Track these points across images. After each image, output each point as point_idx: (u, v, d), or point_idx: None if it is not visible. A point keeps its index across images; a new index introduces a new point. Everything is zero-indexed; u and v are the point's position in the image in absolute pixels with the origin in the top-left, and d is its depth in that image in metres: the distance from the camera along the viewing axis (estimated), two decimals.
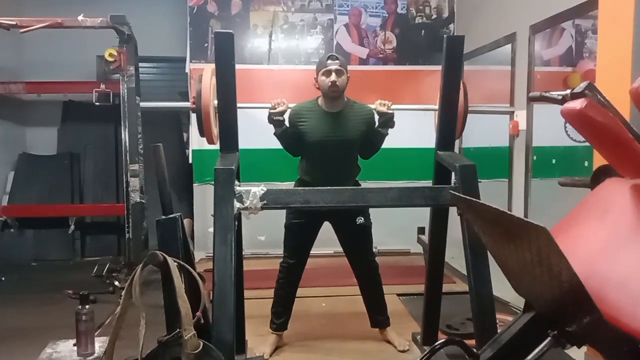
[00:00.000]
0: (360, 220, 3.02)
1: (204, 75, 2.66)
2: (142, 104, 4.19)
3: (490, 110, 4.07)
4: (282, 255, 3.10)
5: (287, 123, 2.93)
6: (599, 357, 1.45)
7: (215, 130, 2.77)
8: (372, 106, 2.98)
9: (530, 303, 1.42)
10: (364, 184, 3.11)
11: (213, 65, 2.63)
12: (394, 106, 2.95)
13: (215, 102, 2.70)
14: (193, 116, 5.07)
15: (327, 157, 2.94)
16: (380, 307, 3.16)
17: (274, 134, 2.93)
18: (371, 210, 3.09)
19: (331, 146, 2.92)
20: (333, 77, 2.84)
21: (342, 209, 2.93)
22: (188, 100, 5.21)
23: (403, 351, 3.04)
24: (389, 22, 5.37)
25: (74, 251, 5.47)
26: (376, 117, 2.98)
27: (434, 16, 5.40)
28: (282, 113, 2.88)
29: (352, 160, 3.05)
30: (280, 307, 3.09)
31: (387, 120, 2.94)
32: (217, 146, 2.60)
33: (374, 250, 3.18)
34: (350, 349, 3.09)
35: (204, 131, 2.68)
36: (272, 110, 2.86)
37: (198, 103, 2.59)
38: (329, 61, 2.87)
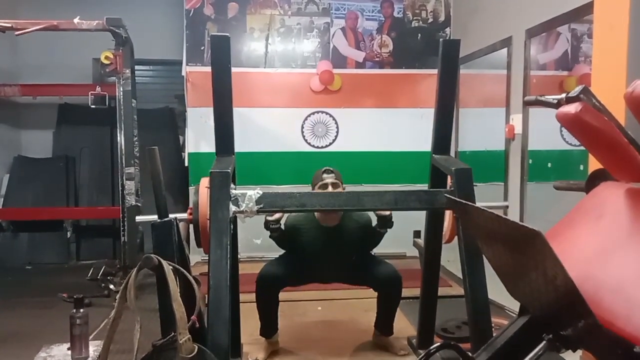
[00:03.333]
0: (353, 257, 3.07)
1: (201, 187, 2.52)
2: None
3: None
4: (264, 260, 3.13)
5: (282, 227, 3.00)
6: None
7: None
8: None
9: (526, 307, 1.42)
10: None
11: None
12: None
13: None
14: (190, 119, 5.09)
15: (323, 264, 3.04)
16: (390, 318, 3.13)
17: (270, 237, 2.99)
18: (367, 213, 3.09)
19: (330, 258, 3.01)
20: (330, 190, 2.90)
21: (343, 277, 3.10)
22: (184, 103, 5.23)
23: (402, 355, 3.03)
24: (386, 25, 5.38)
25: (69, 254, 5.46)
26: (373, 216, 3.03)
27: (430, 20, 5.41)
28: (278, 220, 2.94)
29: (350, 258, 3.10)
30: (265, 314, 3.04)
31: (386, 222, 2.99)
32: (213, 149, 2.59)
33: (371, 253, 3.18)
34: (345, 353, 3.08)
35: (201, 243, 2.47)
36: (269, 218, 2.91)
37: (195, 215, 2.46)
38: (325, 175, 2.96)
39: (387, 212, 2.95)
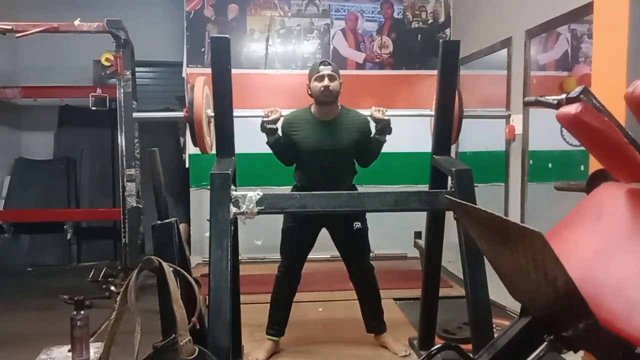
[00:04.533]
0: (357, 225, 3.02)
1: (196, 85, 2.65)
2: (135, 115, 4.17)
3: (486, 115, 4.07)
4: (280, 260, 3.10)
5: (280, 132, 2.92)
6: None
7: (208, 140, 2.77)
8: (367, 113, 2.97)
9: (527, 308, 1.42)
10: (361, 188, 3.11)
11: (206, 76, 2.63)
12: (388, 112, 2.95)
13: (209, 111, 2.70)
14: None
15: (321, 165, 2.93)
16: (376, 312, 3.15)
17: (267, 142, 2.92)
18: (368, 215, 3.09)
19: (325, 155, 2.90)
20: (326, 81, 2.84)
21: (340, 214, 2.93)
22: (185, 106, 5.23)
23: (404, 356, 3.03)
24: (386, 26, 5.38)
25: (69, 256, 5.46)
26: (372, 124, 2.97)
27: (430, 21, 5.42)
28: (275, 121, 2.87)
29: (347, 167, 3.04)
30: (277, 313, 3.07)
31: (384, 127, 2.93)
32: (214, 151, 2.60)
33: (370, 254, 3.17)
34: (346, 354, 3.08)
35: (196, 141, 2.67)
36: (265, 119, 2.86)
37: (190, 113, 2.59)
38: (322, 67, 2.87)
39: (386, 118, 2.90)
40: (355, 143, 2.95)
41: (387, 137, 2.98)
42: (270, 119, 2.85)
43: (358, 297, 3.16)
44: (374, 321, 3.15)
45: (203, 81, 2.68)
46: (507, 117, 3.96)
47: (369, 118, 2.98)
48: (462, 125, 2.95)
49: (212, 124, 2.76)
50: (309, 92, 2.92)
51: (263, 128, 2.87)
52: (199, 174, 5.02)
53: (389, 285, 3.84)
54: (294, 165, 3.06)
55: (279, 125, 2.91)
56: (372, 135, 2.98)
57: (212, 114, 2.64)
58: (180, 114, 2.73)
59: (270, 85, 5.22)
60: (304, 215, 2.95)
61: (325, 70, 2.85)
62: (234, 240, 2.52)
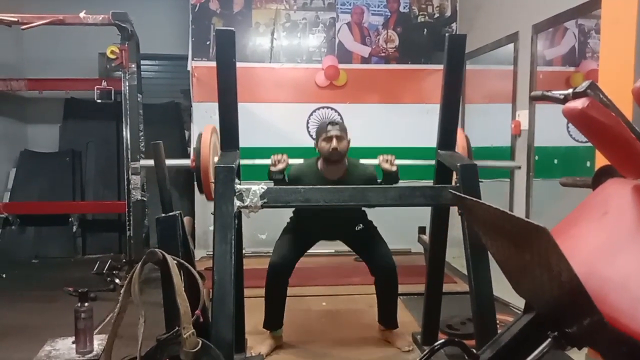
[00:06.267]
0: (359, 226, 3.03)
1: (203, 135, 2.62)
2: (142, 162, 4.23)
3: (492, 166, 4.08)
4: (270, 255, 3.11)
5: (286, 179, 2.96)
6: (600, 358, 1.44)
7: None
8: (375, 161, 2.98)
9: (531, 304, 1.42)
10: None
11: (213, 125, 2.65)
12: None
13: (216, 159, 2.67)
14: (195, 114, 5.09)
15: (326, 220, 2.99)
16: (391, 310, 3.13)
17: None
18: (372, 210, 3.08)
19: (331, 214, 2.93)
20: (334, 143, 2.87)
21: (342, 225, 3.02)
22: (189, 97, 5.24)
23: (407, 352, 3.03)
24: (391, 20, 5.36)
25: (75, 249, 5.47)
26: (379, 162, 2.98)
27: (437, 15, 5.39)
28: (282, 171, 2.90)
29: (353, 217, 3.08)
30: (271, 308, 3.05)
31: (392, 179, 2.94)
32: None
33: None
34: (350, 348, 3.08)
35: (203, 189, 2.65)
36: (272, 168, 2.88)
37: (197, 162, 2.57)
38: (330, 126, 2.90)
39: (394, 168, 2.90)
40: None
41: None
42: (277, 169, 2.88)
43: (376, 291, 3.14)
44: (388, 317, 3.14)
45: (211, 130, 2.67)
46: (513, 112, 3.94)
47: (374, 169, 3.02)
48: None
49: None
50: (317, 149, 2.97)
51: (270, 177, 2.91)
52: None
53: None
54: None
55: (286, 172, 2.95)
56: (379, 182, 3.01)
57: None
58: (187, 161, 2.72)
59: (275, 79, 5.21)
60: (307, 226, 3.02)
61: (333, 131, 2.89)
62: (238, 233, 2.53)
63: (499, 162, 4.19)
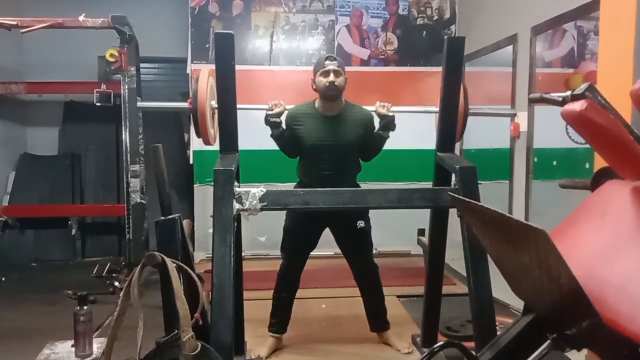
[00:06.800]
0: (360, 224, 3.01)
1: (200, 77, 2.66)
2: (140, 104, 4.20)
3: (491, 113, 4.05)
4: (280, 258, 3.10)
5: (284, 125, 2.91)
6: None
7: (211, 131, 2.77)
8: (372, 108, 2.96)
9: (530, 306, 1.41)
10: (364, 185, 3.10)
11: (211, 67, 2.63)
12: (393, 108, 2.93)
13: (213, 102, 2.70)
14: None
15: (324, 160, 2.91)
16: (379, 310, 3.14)
17: (271, 135, 2.91)
18: (371, 212, 3.08)
19: (328, 150, 2.89)
20: (331, 77, 2.81)
21: (344, 213, 2.93)
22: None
23: (407, 354, 3.02)
24: (390, 23, 5.37)
25: (74, 251, 5.47)
26: (376, 119, 2.96)
27: (436, 17, 5.39)
28: (279, 115, 2.86)
29: (351, 162, 3.02)
30: (279, 310, 3.07)
31: (389, 124, 2.90)
32: (217, 147, 2.60)
33: (373, 252, 3.17)
34: (350, 351, 3.08)
35: (200, 132, 2.69)
36: (269, 112, 2.84)
37: (194, 104, 2.60)
38: (327, 62, 2.84)
39: (390, 114, 2.88)
40: (359, 138, 2.94)
41: (391, 133, 2.96)
42: (274, 112, 2.84)
43: (362, 295, 3.15)
44: (377, 320, 3.15)
45: (208, 72, 2.69)
46: (513, 116, 3.94)
47: (373, 113, 2.96)
48: (467, 122, 2.93)
49: (215, 116, 2.76)
50: (314, 87, 2.91)
51: (267, 121, 2.86)
52: (203, 170, 5.02)
53: (392, 282, 3.84)
54: (297, 159, 3.05)
55: (282, 118, 2.90)
56: (375, 130, 2.96)
57: (216, 106, 2.64)
58: (184, 104, 2.75)
59: (274, 81, 5.21)
60: (306, 214, 2.94)
61: (331, 65, 2.83)
62: (237, 236, 2.53)
63: (495, 109, 4.19)
